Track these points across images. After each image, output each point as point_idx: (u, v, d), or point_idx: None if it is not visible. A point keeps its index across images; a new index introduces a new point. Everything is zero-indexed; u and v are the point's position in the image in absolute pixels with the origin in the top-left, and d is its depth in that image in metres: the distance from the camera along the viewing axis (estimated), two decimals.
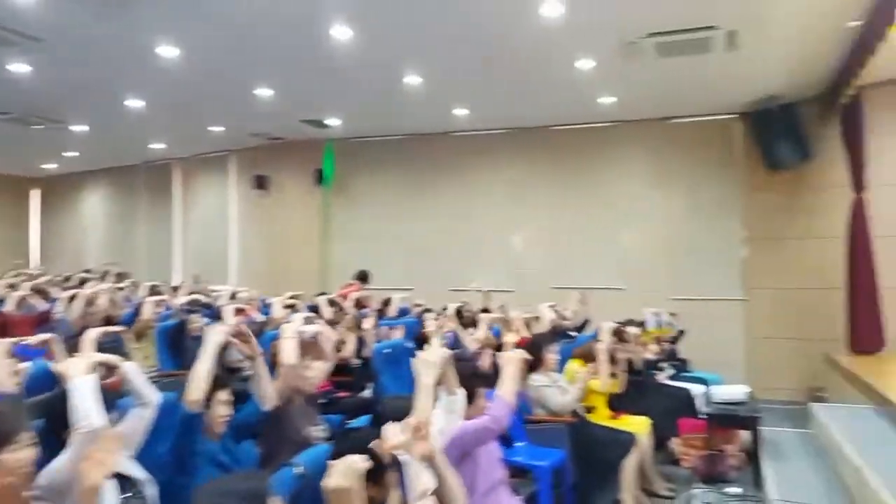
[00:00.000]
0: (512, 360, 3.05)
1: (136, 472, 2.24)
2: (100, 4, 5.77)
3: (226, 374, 3.00)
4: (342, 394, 5.07)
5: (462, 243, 10.25)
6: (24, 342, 3.40)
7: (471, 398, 2.93)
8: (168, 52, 6.96)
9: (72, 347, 3.19)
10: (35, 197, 15.90)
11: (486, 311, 7.07)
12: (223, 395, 2.75)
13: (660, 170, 9.28)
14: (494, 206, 10.15)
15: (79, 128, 10.68)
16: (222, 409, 2.75)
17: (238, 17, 6.09)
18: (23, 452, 1.83)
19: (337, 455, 1.94)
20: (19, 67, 7.53)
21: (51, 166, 14.71)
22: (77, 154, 13.14)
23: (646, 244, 9.25)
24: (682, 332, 7.58)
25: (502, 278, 9.85)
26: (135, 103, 9.12)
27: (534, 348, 4.51)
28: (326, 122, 9.96)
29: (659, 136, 9.26)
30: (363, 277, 9.10)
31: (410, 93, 8.26)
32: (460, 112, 9.30)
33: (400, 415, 2.33)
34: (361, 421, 3.01)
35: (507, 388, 2.94)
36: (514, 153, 10.07)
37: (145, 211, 13.95)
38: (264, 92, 8.50)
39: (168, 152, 12.83)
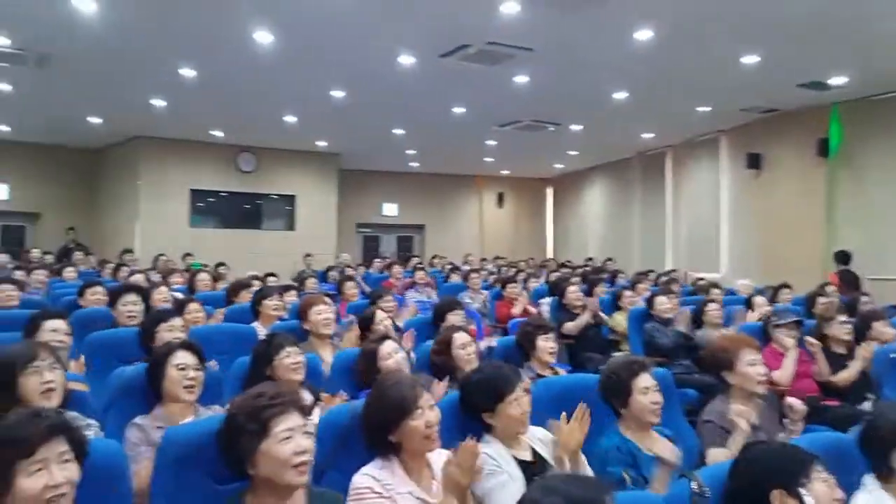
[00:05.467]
0: None
1: None
2: (575, 5, 6.06)
3: None
4: (831, 402, 4.11)
5: None
6: None
7: None
8: (644, 35, 6.90)
9: None
10: (549, 195, 18.04)
11: None
12: None
13: None
14: None
15: (575, 127, 11.56)
16: None
17: None
18: None
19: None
20: (521, 79, 8.58)
21: (559, 166, 16.42)
22: (577, 153, 14.33)
23: None
24: None
25: None
26: (620, 95, 9.38)
27: None
28: (829, 81, 8.44)
29: None
30: (844, 259, 8.28)
31: None
32: None
33: None
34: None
35: None
36: None
37: (639, 201, 14.31)
38: (750, 59, 7.68)
39: (659, 140, 12.87)
